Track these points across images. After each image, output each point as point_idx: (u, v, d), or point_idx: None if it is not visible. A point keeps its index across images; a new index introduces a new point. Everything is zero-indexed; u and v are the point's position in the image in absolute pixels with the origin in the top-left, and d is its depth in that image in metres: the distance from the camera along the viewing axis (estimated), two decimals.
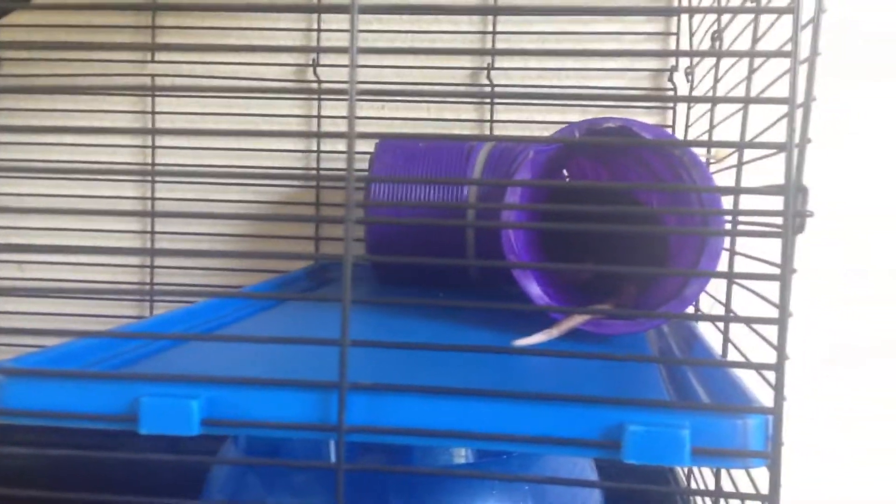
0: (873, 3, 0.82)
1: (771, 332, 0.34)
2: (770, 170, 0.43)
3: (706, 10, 0.48)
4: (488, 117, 0.88)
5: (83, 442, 0.39)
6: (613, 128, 0.52)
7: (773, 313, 0.33)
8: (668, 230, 0.53)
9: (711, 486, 0.63)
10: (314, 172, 0.90)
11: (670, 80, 0.85)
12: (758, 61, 0.52)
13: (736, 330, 0.60)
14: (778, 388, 0.32)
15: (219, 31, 0.89)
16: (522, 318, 0.54)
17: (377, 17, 0.88)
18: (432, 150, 0.74)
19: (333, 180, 0.43)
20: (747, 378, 0.39)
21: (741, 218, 0.60)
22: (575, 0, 0.77)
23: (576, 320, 0.51)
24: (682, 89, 0.85)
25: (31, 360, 0.37)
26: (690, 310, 0.70)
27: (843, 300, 0.84)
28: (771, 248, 0.37)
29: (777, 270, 0.33)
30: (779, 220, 0.32)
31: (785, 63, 0.33)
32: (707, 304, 0.69)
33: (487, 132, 0.88)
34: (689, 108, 0.83)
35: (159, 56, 0.90)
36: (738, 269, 0.59)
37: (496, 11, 0.86)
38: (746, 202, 0.55)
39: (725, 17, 0.66)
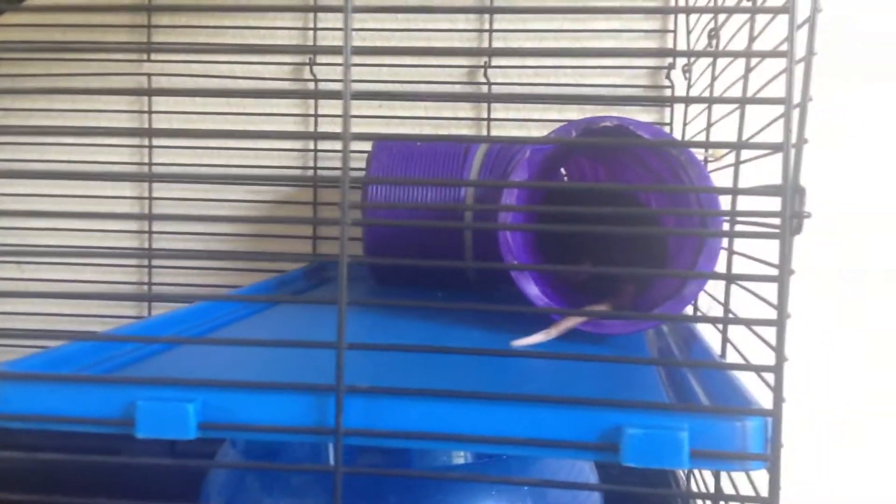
0: (870, 4, 0.82)
1: (769, 332, 0.34)
2: (769, 168, 0.42)
3: (702, 10, 0.47)
4: (485, 115, 0.88)
5: (80, 444, 0.39)
6: (611, 126, 0.52)
7: (772, 313, 0.33)
8: (666, 231, 0.53)
9: (711, 488, 0.63)
10: (311, 173, 0.90)
11: (667, 77, 0.85)
12: (755, 60, 0.52)
13: (735, 329, 0.59)
14: (777, 390, 0.32)
15: (214, 31, 0.89)
16: (520, 317, 0.54)
17: (373, 14, 0.88)
18: (429, 149, 0.74)
19: (330, 181, 0.43)
20: (746, 378, 0.39)
21: (739, 218, 0.60)
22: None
23: (574, 320, 0.51)
24: (680, 86, 0.85)
25: (27, 364, 0.36)
26: (689, 309, 0.70)
27: (841, 300, 0.84)
28: (770, 248, 0.36)
29: (775, 271, 0.33)
30: (776, 221, 0.32)
31: (782, 62, 0.33)
32: (706, 303, 0.69)
33: (484, 130, 0.88)
34: (686, 106, 0.83)
35: (155, 56, 0.90)
36: (737, 267, 0.58)
37: (492, 11, 0.86)
38: (745, 201, 0.55)
39: (722, 15, 0.66)
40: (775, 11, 0.32)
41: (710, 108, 0.73)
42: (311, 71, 0.88)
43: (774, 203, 0.33)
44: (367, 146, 0.85)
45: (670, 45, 0.86)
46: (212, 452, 0.51)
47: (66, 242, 0.92)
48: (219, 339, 0.41)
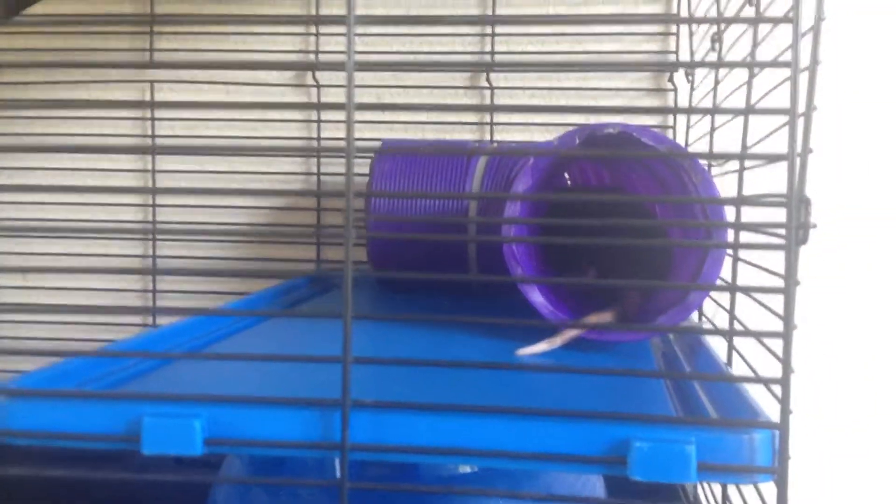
0: (872, 11, 0.82)
1: (776, 342, 0.34)
2: (774, 173, 0.42)
3: (705, 21, 0.47)
4: (488, 119, 0.88)
5: (84, 455, 0.39)
6: (614, 133, 0.52)
7: (778, 324, 0.33)
8: (672, 243, 0.53)
9: (719, 497, 0.63)
10: (314, 177, 0.90)
11: (670, 80, 0.85)
12: (758, 68, 0.52)
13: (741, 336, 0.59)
14: (784, 402, 0.32)
15: (217, 38, 0.89)
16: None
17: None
18: (435, 149, 0.74)
19: (334, 196, 0.43)
20: (754, 387, 0.38)
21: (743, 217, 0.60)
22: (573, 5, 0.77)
23: (579, 329, 0.51)
24: (683, 88, 0.84)
25: (32, 380, 0.36)
26: (695, 315, 0.69)
27: (848, 310, 0.84)
28: (776, 255, 0.36)
29: (781, 280, 0.32)
30: (782, 230, 0.32)
31: (786, 69, 0.32)
32: (711, 309, 0.68)
33: (487, 133, 0.88)
34: (691, 90, 0.82)
35: (157, 67, 0.90)
36: (742, 273, 0.58)
37: (494, 21, 0.86)
38: (751, 190, 0.55)
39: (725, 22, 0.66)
40: (779, 21, 0.32)
41: (713, 117, 0.73)
42: (314, 77, 0.88)
43: (780, 212, 0.33)
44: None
45: (673, 46, 0.85)
46: (217, 462, 0.51)
47: (69, 251, 0.92)
48: (224, 355, 0.41)
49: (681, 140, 0.84)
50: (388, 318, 0.50)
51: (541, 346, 0.50)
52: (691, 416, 0.37)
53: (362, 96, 0.89)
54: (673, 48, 0.85)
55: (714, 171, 0.68)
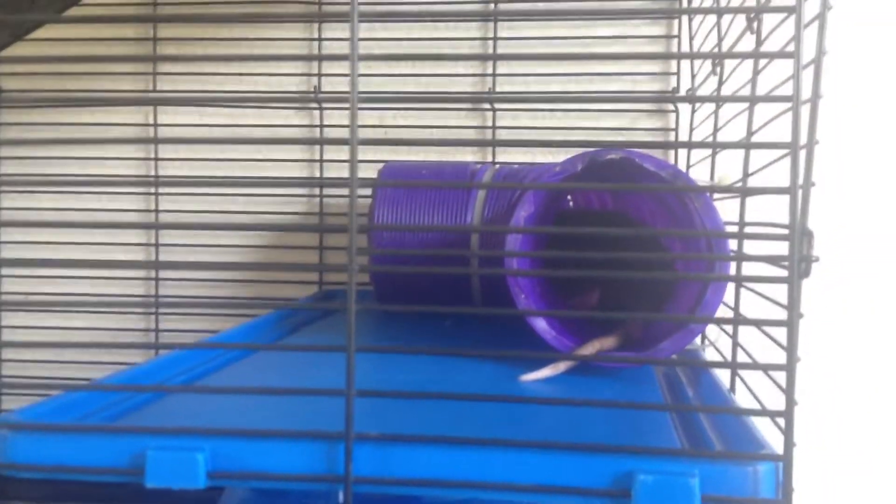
0: (873, 44, 0.82)
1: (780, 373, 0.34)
2: (778, 199, 0.42)
3: (705, 56, 0.47)
4: (489, 134, 0.88)
5: (87, 488, 0.39)
6: (616, 159, 0.52)
7: (782, 353, 0.33)
8: (676, 276, 0.53)
9: None
10: (317, 198, 0.90)
11: (673, 97, 0.85)
12: (760, 91, 0.52)
13: (744, 356, 0.59)
14: (787, 434, 0.32)
15: (219, 77, 0.90)
16: (529, 346, 0.54)
17: (379, 25, 0.88)
18: (436, 174, 0.74)
19: (337, 228, 0.43)
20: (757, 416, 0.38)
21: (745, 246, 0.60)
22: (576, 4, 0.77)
23: (582, 355, 0.51)
24: (684, 110, 0.85)
25: (34, 412, 0.36)
26: (698, 340, 0.69)
27: (851, 338, 0.84)
28: (779, 285, 0.36)
29: (784, 312, 0.32)
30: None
31: (787, 102, 0.33)
32: (715, 332, 0.68)
33: (489, 153, 0.88)
34: (692, 113, 0.83)
35: (161, 68, 0.90)
36: (746, 298, 0.58)
37: (497, 15, 0.86)
38: (752, 214, 0.55)
39: (725, 45, 0.66)
40: (778, 56, 0.32)
41: (714, 143, 0.73)
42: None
43: (783, 242, 0.33)
44: (370, 170, 0.85)
45: (674, 68, 0.86)
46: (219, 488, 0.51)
47: (74, 290, 0.92)
48: (226, 388, 0.41)
49: (682, 161, 0.84)
50: (392, 350, 0.50)
51: (545, 372, 0.50)
52: (695, 449, 0.37)
53: (364, 118, 0.89)
54: (674, 70, 0.86)
55: (717, 194, 0.69)
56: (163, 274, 0.92)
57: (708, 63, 0.75)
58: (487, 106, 0.88)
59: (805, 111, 0.33)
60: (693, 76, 0.83)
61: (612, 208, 0.73)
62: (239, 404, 0.40)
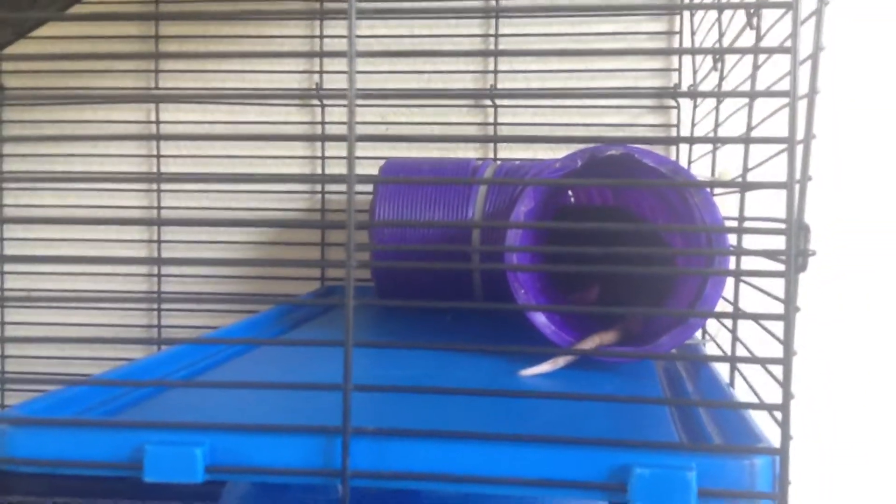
0: (871, 39, 0.82)
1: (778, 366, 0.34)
2: (777, 193, 0.42)
3: (705, 52, 0.47)
4: (491, 131, 0.88)
5: (87, 482, 0.39)
6: (616, 155, 0.52)
7: (780, 346, 0.33)
8: (675, 270, 0.53)
9: None
10: (315, 203, 0.90)
11: (673, 92, 0.85)
12: (760, 87, 0.52)
13: (742, 350, 0.59)
14: (784, 427, 0.32)
15: (220, 75, 0.90)
16: (529, 341, 0.54)
17: (380, 22, 0.88)
18: (437, 171, 0.74)
19: (336, 224, 0.43)
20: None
21: (744, 240, 0.60)
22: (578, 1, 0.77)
23: (582, 349, 0.51)
24: (686, 105, 0.84)
25: (34, 407, 0.37)
26: (699, 335, 0.69)
27: (849, 332, 0.83)
28: (777, 279, 0.36)
29: (781, 306, 0.33)
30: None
31: (785, 97, 0.33)
32: (714, 326, 0.68)
33: (491, 149, 0.88)
34: (694, 109, 0.83)
35: (163, 66, 0.91)
36: (745, 293, 0.58)
37: (498, 11, 0.86)
38: (755, 210, 0.55)
39: (726, 42, 0.66)
40: (776, 51, 0.32)
41: (714, 146, 0.73)
42: (319, 98, 0.89)
43: (781, 237, 0.33)
44: (371, 167, 0.85)
45: (676, 64, 0.86)
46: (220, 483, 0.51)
47: (76, 286, 0.93)
48: (225, 383, 0.41)
49: (684, 157, 0.84)
50: (389, 345, 0.50)
51: (544, 367, 0.50)
52: (692, 442, 0.37)
53: (365, 115, 0.89)
54: (676, 66, 0.86)
55: (718, 190, 0.69)
56: (165, 270, 0.92)
57: (709, 60, 0.75)
58: (489, 103, 0.88)
59: (802, 106, 0.33)
60: (695, 72, 0.82)
61: (613, 204, 0.73)
62: (238, 399, 0.40)
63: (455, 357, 0.53)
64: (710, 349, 0.68)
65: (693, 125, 0.82)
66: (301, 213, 0.91)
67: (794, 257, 0.31)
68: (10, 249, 0.94)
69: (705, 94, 0.35)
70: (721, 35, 0.67)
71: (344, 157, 0.88)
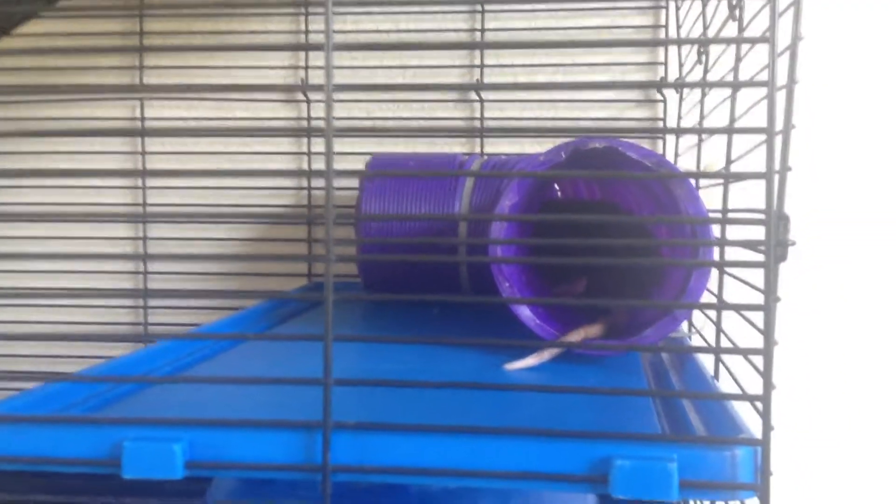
0: (851, 28, 0.82)
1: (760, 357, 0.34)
2: (760, 185, 0.42)
3: (689, 41, 0.47)
4: (478, 125, 0.88)
5: (68, 480, 0.39)
6: (600, 148, 0.52)
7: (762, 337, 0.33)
8: (659, 261, 0.53)
9: None
10: (300, 202, 0.90)
11: (659, 91, 0.85)
12: (743, 78, 0.52)
13: (727, 342, 0.59)
14: (765, 418, 0.32)
15: (204, 70, 0.90)
16: (515, 335, 0.54)
17: (366, 17, 0.88)
18: (423, 165, 0.74)
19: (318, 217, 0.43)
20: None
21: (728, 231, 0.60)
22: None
23: (567, 342, 0.51)
24: (672, 99, 0.85)
25: (12, 405, 0.36)
26: (685, 327, 0.69)
27: (831, 325, 0.84)
28: (761, 270, 0.36)
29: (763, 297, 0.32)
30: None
31: (765, 87, 0.33)
32: (700, 319, 0.68)
33: (478, 144, 0.88)
34: (680, 101, 0.83)
35: (148, 62, 0.90)
36: (730, 285, 0.58)
37: (483, 4, 0.86)
38: (742, 201, 0.54)
39: (711, 33, 0.66)
40: (757, 41, 0.32)
41: (699, 138, 0.73)
42: (304, 93, 0.88)
43: (762, 228, 0.33)
44: (360, 163, 0.85)
45: (662, 57, 0.86)
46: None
47: (62, 284, 0.92)
48: (205, 378, 0.41)
49: (670, 150, 0.84)
50: (369, 339, 0.50)
51: (529, 361, 0.50)
52: (673, 434, 0.37)
53: (353, 110, 0.89)
54: (662, 59, 0.86)
55: (701, 182, 0.69)
56: (151, 267, 0.92)
57: (695, 54, 0.75)
58: (475, 97, 0.87)
59: (782, 97, 0.33)
60: (681, 65, 0.83)
61: (600, 198, 0.73)
62: (222, 395, 0.40)
63: (441, 351, 0.53)
64: (696, 342, 0.68)
65: (679, 118, 0.82)
66: (288, 209, 0.91)
67: (774, 247, 0.31)
68: None
69: (688, 85, 0.35)
70: (705, 28, 0.67)
71: (333, 153, 0.89)
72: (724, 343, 0.56)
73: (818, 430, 0.83)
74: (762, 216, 0.32)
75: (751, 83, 0.33)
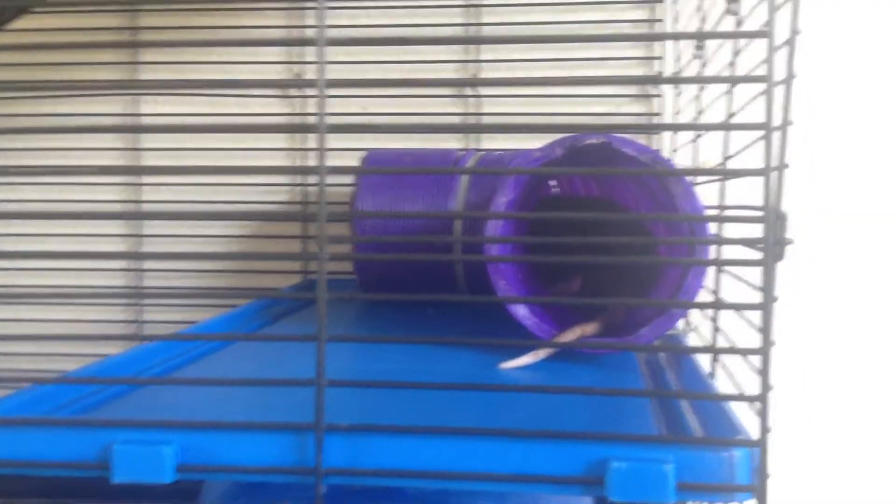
0: (847, 23, 0.82)
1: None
2: (758, 180, 0.42)
3: (686, 37, 0.47)
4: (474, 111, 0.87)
5: (57, 483, 0.38)
6: (596, 144, 0.51)
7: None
8: (655, 259, 0.52)
9: None
10: (294, 202, 0.90)
11: (656, 86, 0.85)
12: (739, 68, 0.51)
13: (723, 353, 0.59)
14: (763, 419, 0.32)
15: (199, 66, 0.89)
16: (512, 334, 0.53)
17: (362, 12, 0.88)
18: (419, 162, 0.74)
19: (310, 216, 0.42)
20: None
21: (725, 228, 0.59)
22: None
23: (563, 341, 0.51)
24: (668, 94, 0.84)
25: (3, 407, 0.36)
26: (682, 325, 0.69)
27: (829, 325, 0.83)
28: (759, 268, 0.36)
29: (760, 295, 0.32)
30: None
31: (763, 83, 0.32)
32: (697, 317, 0.68)
33: (473, 140, 0.87)
34: (676, 98, 0.82)
35: (142, 57, 0.90)
36: (727, 283, 0.58)
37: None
38: (740, 198, 0.53)
39: (708, 28, 0.65)
40: (754, 35, 0.31)
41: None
42: (303, 105, 0.88)
43: (760, 226, 0.32)
44: (356, 159, 0.84)
45: (659, 52, 0.85)
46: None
47: (56, 282, 0.92)
48: (197, 380, 0.40)
49: (667, 145, 0.83)
50: (362, 339, 0.49)
51: (524, 360, 0.50)
52: (670, 435, 0.37)
53: (348, 106, 0.88)
54: (658, 54, 0.85)
55: (701, 179, 0.68)
56: (146, 265, 0.91)
57: (691, 48, 0.75)
58: (471, 93, 0.87)
59: (780, 92, 0.33)
60: (677, 60, 0.82)
61: (597, 195, 0.73)
62: (213, 396, 0.40)
63: (437, 350, 0.52)
64: (694, 341, 0.68)
65: (676, 114, 0.82)
66: (283, 206, 0.90)
67: (772, 245, 0.31)
68: None
69: (684, 80, 0.35)
70: (702, 22, 0.66)
71: (326, 149, 0.88)
72: (722, 342, 0.56)
73: (816, 430, 0.82)
74: (760, 214, 0.32)
75: (748, 78, 0.32)
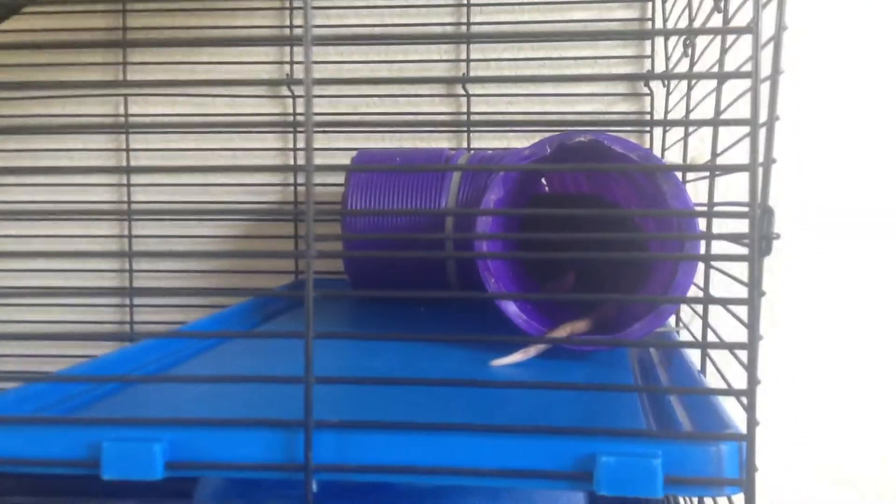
0: (834, 18, 0.82)
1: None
2: (746, 177, 0.42)
3: (674, 32, 0.47)
4: (465, 118, 0.87)
5: (49, 481, 0.38)
6: (586, 142, 0.51)
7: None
8: (644, 256, 0.53)
9: None
10: (285, 201, 0.90)
11: (646, 84, 0.85)
12: (728, 67, 0.52)
13: (712, 348, 0.59)
14: (750, 413, 0.32)
15: (189, 66, 0.89)
16: (503, 331, 0.53)
17: (350, 10, 0.87)
18: (410, 160, 0.74)
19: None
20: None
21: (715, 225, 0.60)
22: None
23: (554, 338, 0.51)
24: (659, 93, 0.84)
25: None
26: (672, 322, 0.69)
27: (817, 319, 0.83)
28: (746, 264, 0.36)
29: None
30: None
31: (748, 78, 0.32)
32: (688, 313, 0.68)
33: (464, 139, 0.88)
34: (667, 94, 0.82)
35: (131, 58, 0.89)
36: (717, 279, 0.58)
37: (470, 37, 0.86)
38: (730, 194, 0.54)
39: (696, 25, 0.66)
40: (741, 31, 0.31)
41: (686, 130, 0.72)
42: (290, 88, 0.88)
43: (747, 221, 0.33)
44: (347, 159, 0.85)
45: (648, 50, 0.86)
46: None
47: (46, 282, 0.92)
48: (185, 377, 0.40)
49: (658, 144, 0.83)
50: (350, 336, 0.49)
51: (515, 357, 0.50)
52: (657, 430, 0.37)
53: (338, 105, 0.88)
54: (648, 52, 0.85)
55: (687, 175, 0.68)
56: (136, 266, 0.91)
57: (681, 46, 0.75)
58: (462, 92, 0.87)
59: (766, 89, 0.33)
60: (667, 58, 0.82)
61: (587, 193, 0.73)
62: (203, 394, 0.40)
63: (428, 348, 0.52)
64: (684, 337, 0.68)
65: (666, 112, 0.82)
66: (274, 205, 0.90)
67: (758, 241, 0.31)
68: None
69: (674, 76, 0.35)
70: (691, 20, 0.67)
71: (318, 149, 0.88)
72: (711, 337, 0.56)
73: (804, 424, 0.83)
74: (746, 209, 0.32)
75: (735, 74, 0.33)
